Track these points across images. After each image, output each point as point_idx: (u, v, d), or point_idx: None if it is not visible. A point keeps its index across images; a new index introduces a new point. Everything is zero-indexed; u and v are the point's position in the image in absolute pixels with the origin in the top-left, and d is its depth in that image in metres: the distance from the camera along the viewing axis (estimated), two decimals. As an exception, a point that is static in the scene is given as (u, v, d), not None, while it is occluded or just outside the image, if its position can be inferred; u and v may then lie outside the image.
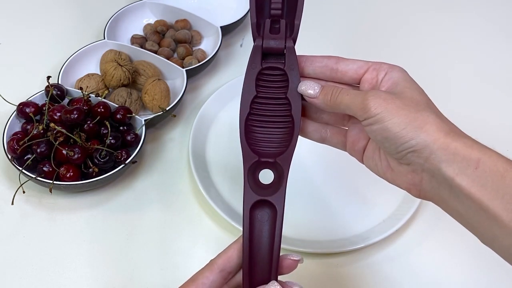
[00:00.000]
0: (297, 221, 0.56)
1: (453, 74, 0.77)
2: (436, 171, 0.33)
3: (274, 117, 0.38)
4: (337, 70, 0.39)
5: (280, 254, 0.36)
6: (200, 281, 0.35)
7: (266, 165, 0.38)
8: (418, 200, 0.57)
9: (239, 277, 0.37)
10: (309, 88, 0.38)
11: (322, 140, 0.42)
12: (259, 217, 0.36)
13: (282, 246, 0.51)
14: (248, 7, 0.77)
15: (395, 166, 0.36)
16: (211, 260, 0.37)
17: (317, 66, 0.39)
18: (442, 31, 0.85)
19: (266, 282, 0.36)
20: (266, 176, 0.38)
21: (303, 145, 0.63)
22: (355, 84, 0.39)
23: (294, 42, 0.38)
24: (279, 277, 0.37)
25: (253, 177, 0.37)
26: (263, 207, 0.36)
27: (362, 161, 0.40)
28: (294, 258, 0.38)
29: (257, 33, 0.38)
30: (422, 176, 0.35)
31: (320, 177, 0.61)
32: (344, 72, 0.39)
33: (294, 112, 0.38)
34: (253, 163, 0.37)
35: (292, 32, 0.38)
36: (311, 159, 0.62)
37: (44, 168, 0.54)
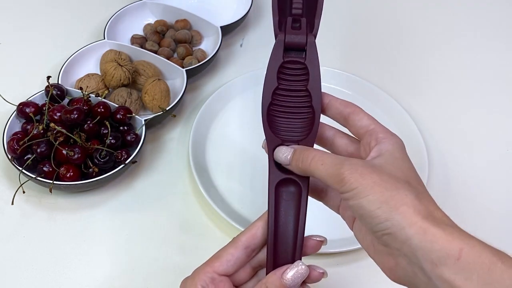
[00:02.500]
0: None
1: (453, 74, 0.77)
2: (413, 259, 0.30)
3: (295, 108, 0.39)
4: (348, 120, 0.39)
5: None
6: (225, 258, 0.36)
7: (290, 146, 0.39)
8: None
9: (261, 255, 0.37)
10: (280, 155, 0.37)
11: (320, 199, 0.41)
12: (284, 196, 0.37)
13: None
14: (248, 7, 0.78)
15: (375, 244, 0.34)
16: (234, 238, 0.37)
17: (333, 111, 0.39)
18: (441, 31, 0.85)
19: (291, 261, 0.36)
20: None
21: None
22: (358, 139, 0.39)
23: (315, 38, 0.40)
24: (303, 258, 0.37)
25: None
26: (288, 185, 0.37)
27: (352, 229, 0.38)
28: (319, 239, 0.38)
29: (279, 29, 0.40)
30: (397, 261, 0.32)
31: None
32: (352, 125, 0.38)
33: (315, 103, 0.39)
34: (277, 145, 0.38)
35: (312, 29, 0.40)
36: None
37: (44, 168, 0.54)
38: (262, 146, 0.39)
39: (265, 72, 0.39)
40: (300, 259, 0.36)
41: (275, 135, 0.39)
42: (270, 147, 0.38)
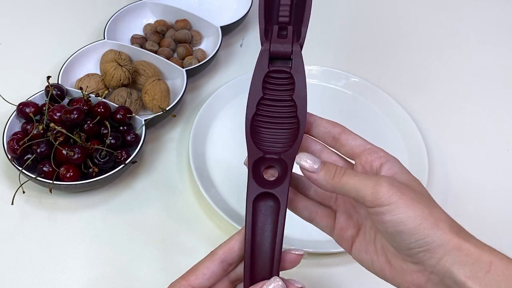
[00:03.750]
0: (296, 220, 0.56)
1: (453, 74, 0.77)
2: (446, 274, 0.31)
3: (280, 118, 0.39)
4: (337, 140, 0.38)
5: (283, 249, 0.36)
6: (201, 271, 0.35)
7: (271, 161, 0.38)
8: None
9: (239, 269, 0.37)
10: (308, 162, 0.36)
11: (311, 220, 0.40)
12: (262, 210, 0.37)
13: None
14: (248, 7, 0.78)
15: (397, 263, 0.34)
16: (212, 251, 0.36)
17: (321, 130, 0.39)
18: (442, 31, 0.85)
19: (268, 277, 0.35)
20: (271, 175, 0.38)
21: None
22: (349, 159, 0.38)
23: (301, 47, 0.39)
24: (282, 273, 0.37)
25: (257, 172, 0.38)
26: (266, 199, 0.37)
27: (350, 251, 0.38)
28: (298, 253, 0.37)
29: (265, 38, 0.40)
30: (429, 278, 0.32)
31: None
32: (345, 144, 0.38)
33: (300, 113, 0.38)
34: (258, 158, 0.38)
35: (299, 38, 0.39)
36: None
37: (44, 168, 0.54)
38: (244, 163, 0.38)
39: (250, 82, 0.39)
40: (278, 275, 0.36)
41: (258, 147, 0.38)
42: (251, 160, 0.38)
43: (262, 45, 0.39)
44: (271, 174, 0.38)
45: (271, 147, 0.38)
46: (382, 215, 0.32)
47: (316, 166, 0.36)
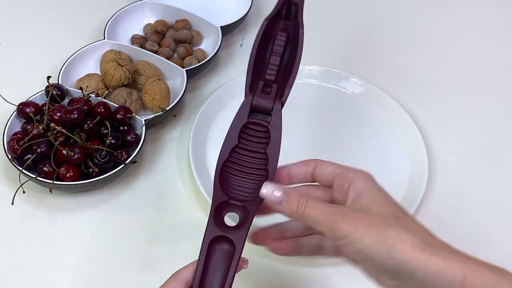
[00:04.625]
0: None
1: (454, 74, 0.77)
2: None
3: (250, 168, 0.40)
4: (314, 175, 0.39)
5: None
6: None
7: (234, 208, 0.39)
8: (417, 201, 0.57)
9: None
10: (271, 193, 0.37)
11: (319, 253, 0.42)
12: (217, 253, 0.38)
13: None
14: (248, 7, 0.78)
15: (383, 280, 0.35)
16: (174, 273, 0.37)
17: (298, 174, 0.40)
18: (443, 31, 0.85)
19: None
20: (231, 220, 0.39)
21: (302, 145, 0.63)
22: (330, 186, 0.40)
23: (282, 105, 0.41)
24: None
25: (219, 215, 0.39)
26: (222, 243, 0.38)
27: (359, 268, 0.38)
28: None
29: (250, 90, 0.42)
30: None
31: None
32: (320, 176, 0.39)
33: (270, 167, 0.39)
34: (221, 202, 0.39)
35: (281, 96, 0.41)
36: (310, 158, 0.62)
37: (44, 168, 0.54)
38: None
39: (228, 129, 0.41)
40: None
41: (223, 191, 0.39)
42: (214, 202, 0.39)
43: (245, 96, 0.41)
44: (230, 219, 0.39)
45: (236, 193, 0.40)
46: (344, 247, 0.34)
47: (278, 195, 0.36)
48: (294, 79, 0.42)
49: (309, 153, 0.63)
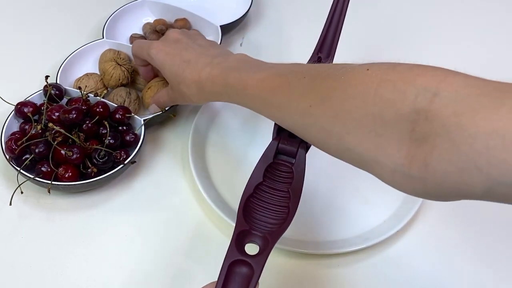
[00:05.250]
0: (296, 221, 0.56)
1: (461, 66, 0.77)
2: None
3: (273, 204, 0.43)
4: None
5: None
6: None
7: (254, 237, 0.41)
8: (420, 200, 0.57)
9: None
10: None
11: None
12: (235, 277, 0.38)
13: (282, 247, 0.52)
14: (248, 6, 0.78)
15: None
16: None
17: None
18: (444, 30, 0.85)
19: None
20: (252, 249, 0.40)
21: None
22: None
23: (307, 150, 0.45)
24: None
25: (240, 242, 0.40)
26: (241, 266, 0.39)
27: None
28: None
29: (277, 134, 0.46)
30: None
31: (320, 176, 0.61)
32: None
33: (292, 204, 0.42)
34: (243, 230, 0.41)
35: (306, 143, 0.44)
36: (311, 158, 0.62)
37: (43, 169, 0.54)
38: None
39: (254, 167, 0.44)
40: None
41: (245, 221, 0.41)
42: (237, 229, 0.40)
43: (272, 139, 0.45)
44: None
45: (258, 225, 0.42)
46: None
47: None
48: None
49: (308, 153, 0.63)
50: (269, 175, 0.44)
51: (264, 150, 0.45)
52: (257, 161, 0.44)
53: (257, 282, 0.38)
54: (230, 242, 0.40)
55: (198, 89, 0.51)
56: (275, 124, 0.46)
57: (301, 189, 0.43)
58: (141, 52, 0.58)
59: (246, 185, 0.43)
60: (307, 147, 0.45)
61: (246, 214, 0.42)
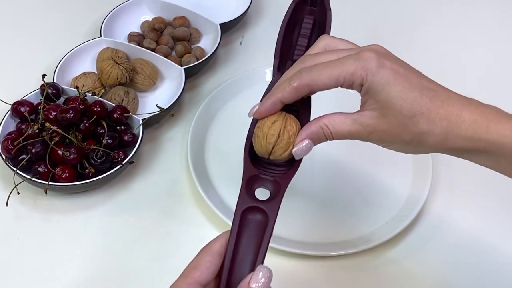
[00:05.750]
0: (298, 222, 0.57)
1: (458, 72, 0.77)
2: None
3: None
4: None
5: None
6: (204, 266, 0.35)
7: (264, 182, 0.39)
8: (422, 201, 0.57)
9: None
10: (299, 148, 0.38)
11: None
12: (249, 224, 0.37)
13: (283, 248, 0.52)
14: (248, 4, 0.78)
15: None
16: (206, 246, 0.36)
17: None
18: (447, 29, 0.85)
19: None
20: (263, 194, 0.39)
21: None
22: None
23: None
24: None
25: (250, 189, 0.38)
26: (255, 213, 0.37)
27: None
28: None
29: (278, 70, 0.43)
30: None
31: (321, 177, 0.61)
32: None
33: None
34: (252, 175, 0.38)
35: None
36: (312, 159, 0.62)
37: (39, 169, 0.54)
38: (248, 115, 0.40)
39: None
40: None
41: (254, 166, 0.39)
42: (246, 175, 0.38)
43: (273, 76, 0.42)
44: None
45: (267, 169, 0.39)
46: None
47: (304, 144, 0.38)
48: None
49: (309, 153, 0.63)
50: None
51: (265, 91, 0.42)
52: (260, 100, 0.41)
53: (272, 229, 0.36)
54: (240, 190, 0.38)
55: (447, 130, 0.37)
56: (274, 58, 0.44)
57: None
58: (342, 67, 0.38)
59: (250, 126, 0.40)
60: None
61: (253, 159, 0.40)
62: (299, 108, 0.41)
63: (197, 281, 0.34)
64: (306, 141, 0.38)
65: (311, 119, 0.40)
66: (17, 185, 0.54)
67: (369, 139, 0.40)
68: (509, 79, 0.77)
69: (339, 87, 0.39)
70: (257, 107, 0.39)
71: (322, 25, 0.45)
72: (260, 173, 0.39)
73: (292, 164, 0.39)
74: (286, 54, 0.44)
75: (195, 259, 0.35)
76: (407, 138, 0.38)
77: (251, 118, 0.40)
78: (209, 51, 0.72)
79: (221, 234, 0.36)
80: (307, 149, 0.38)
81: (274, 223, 0.36)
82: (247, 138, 0.40)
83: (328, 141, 0.39)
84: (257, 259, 0.35)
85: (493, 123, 0.37)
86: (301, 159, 0.39)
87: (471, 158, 0.40)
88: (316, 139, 0.39)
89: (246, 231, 0.36)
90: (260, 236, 0.36)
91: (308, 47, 0.44)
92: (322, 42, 0.41)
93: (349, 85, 0.38)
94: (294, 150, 0.38)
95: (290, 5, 0.45)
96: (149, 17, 0.78)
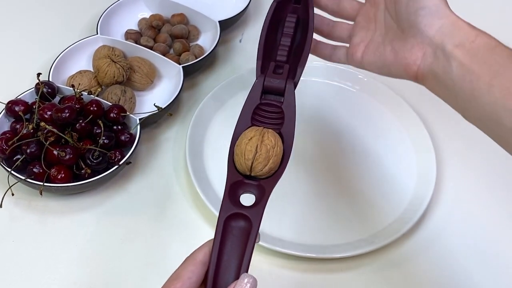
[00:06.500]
0: (299, 224, 0.57)
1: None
2: (439, 46, 0.39)
3: None
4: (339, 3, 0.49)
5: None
6: (186, 276, 0.35)
7: (249, 187, 0.39)
8: (426, 202, 0.57)
9: None
10: None
11: (329, 57, 0.51)
12: (233, 231, 0.37)
13: (284, 250, 0.52)
14: (248, 1, 0.78)
15: (400, 45, 0.43)
16: (190, 255, 0.37)
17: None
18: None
19: None
20: (247, 200, 0.39)
21: (305, 145, 0.63)
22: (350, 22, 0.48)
23: (295, 86, 0.42)
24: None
25: (234, 195, 0.38)
26: (238, 220, 0.37)
27: (362, 61, 0.47)
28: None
29: (261, 71, 0.43)
30: (424, 51, 0.41)
31: (323, 178, 0.61)
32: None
33: (286, 146, 0.40)
34: (236, 181, 0.39)
35: (294, 76, 0.42)
36: (314, 159, 0.62)
37: (34, 169, 0.54)
38: None
39: (240, 112, 0.41)
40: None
41: (238, 171, 0.39)
42: (229, 181, 0.38)
43: (256, 78, 0.42)
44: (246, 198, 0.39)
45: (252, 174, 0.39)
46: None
47: None
48: (307, 58, 0.43)
49: (311, 153, 0.63)
50: (257, 118, 0.41)
51: (248, 92, 0.42)
52: (243, 104, 0.41)
53: (257, 234, 0.36)
54: (223, 195, 0.38)
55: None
56: (257, 60, 0.44)
57: (294, 129, 0.40)
58: None
59: (234, 132, 0.41)
60: (295, 82, 0.42)
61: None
62: (283, 122, 0.41)
63: None
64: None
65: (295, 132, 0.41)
66: (12, 186, 0.54)
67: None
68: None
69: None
70: None
71: (305, 23, 0.45)
72: (244, 179, 0.39)
73: (277, 169, 0.39)
74: (269, 55, 0.45)
75: (177, 270, 0.36)
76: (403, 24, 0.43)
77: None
78: (208, 49, 0.72)
79: (205, 243, 0.37)
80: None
81: (258, 229, 0.37)
82: (231, 142, 0.40)
83: None
84: (241, 267, 0.36)
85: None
86: (286, 164, 0.39)
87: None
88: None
89: (230, 239, 0.37)
90: (244, 243, 0.36)
91: (291, 47, 0.44)
92: None
93: None
94: None
95: (272, 4, 0.45)
96: (146, 14, 0.78)
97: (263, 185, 0.38)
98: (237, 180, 0.39)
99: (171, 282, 0.35)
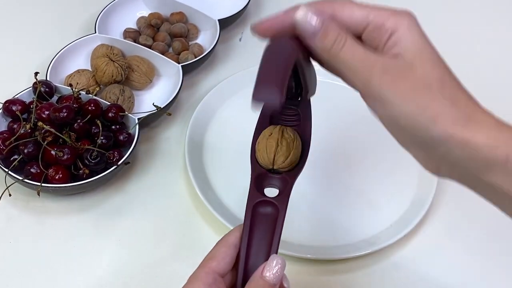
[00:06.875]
0: (300, 226, 0.57)
1: (462, 73, 0.77)
2: (456, 165, 0.32)
3: None
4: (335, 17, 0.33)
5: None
6: (220, 257, 0.37)
7: (273, 180, 0.41)
8: (428, 203, 0.57)
9: None
10: (305, 19, 0.31)
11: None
12: (261, 217, 0.39)
13: (284, 252, 0.52)
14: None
15: (411, 150, 0.36)
16: (222, 238, 0.38)
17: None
18: (453, 29, 0.85)
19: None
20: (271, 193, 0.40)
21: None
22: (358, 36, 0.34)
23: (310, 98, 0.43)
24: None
25: (259, 185, 0.40)
26: (265, 207, 0.39)
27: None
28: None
29: None
30: (439, 166, 0.34)
31: (324, 179, 0.61)
32: (344, 23, 0.33)
33: (304, 142, 0.41)
34: (261, 173, 0.40)
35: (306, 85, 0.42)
36: (315, 160, 0.62)
37: (32, 170, 0.54)
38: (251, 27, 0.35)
39: (258, 115, 0.42)
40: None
41: (260, 166, 0.41)
42: (254, 174, 0.40)
43: None
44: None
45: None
46: (374, 108, 0.32)
47: (313, 23, 0.31)
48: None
49: (311, 154, 0.63)
50: (276, 118, 0.43)
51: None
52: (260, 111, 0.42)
53: (283, 220, 0.38)
54: (250, 185, 0.40)
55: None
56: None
57: (311, 127, 0.42)
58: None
59: (254, 132, 0.42)
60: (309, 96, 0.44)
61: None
62: (300, 122, 0.42)
63: (214, 270, 0.36)
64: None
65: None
66: (9, 186, 0.54)
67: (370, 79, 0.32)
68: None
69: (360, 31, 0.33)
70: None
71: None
72: (267, 172, 0.41)
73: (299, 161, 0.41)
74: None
75: (212, 251, 0.37)
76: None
77: (255, 109, 0.33)
78: (208, 47, 0.72)
79: (235, 227, 0.38)
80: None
81: (285, 214, 0.38)
82: (253, 140, 0.42)
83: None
84: (270, 250, 0.37)
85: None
86: (306, 158, 0.41)
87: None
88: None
89: (258, 224, 0.39)
90: (272, 228, 0.38)
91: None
92: None
93: (377, 27, 0.32)
94: (297, 16, 0.32)
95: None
96: (145, 12, 0.78)
97: (286, 176, 0.40)
98: (261, 172, 0.40)
99: (206, 262, 0.36)
